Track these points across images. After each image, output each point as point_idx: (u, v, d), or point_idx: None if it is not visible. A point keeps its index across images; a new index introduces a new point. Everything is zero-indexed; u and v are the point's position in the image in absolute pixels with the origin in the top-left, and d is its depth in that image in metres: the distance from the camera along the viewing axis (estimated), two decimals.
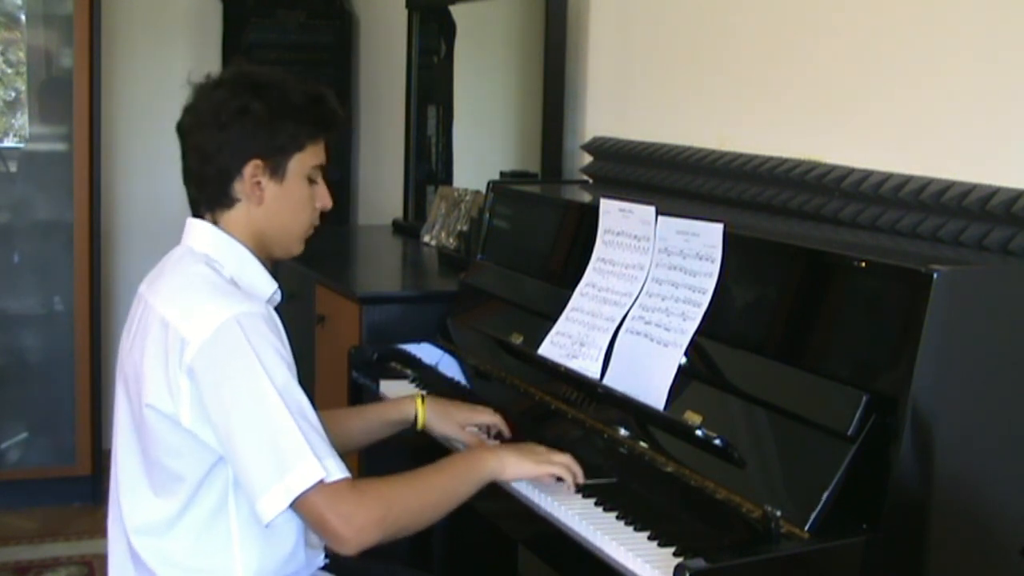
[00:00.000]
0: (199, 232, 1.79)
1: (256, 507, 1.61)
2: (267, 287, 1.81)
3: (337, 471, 1.62)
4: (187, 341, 1.64)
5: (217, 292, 1.69)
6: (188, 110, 1.79)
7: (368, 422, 2.14)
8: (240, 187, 1.76)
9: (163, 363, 1.66)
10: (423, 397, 2.15)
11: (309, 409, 1.65)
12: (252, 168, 1.76)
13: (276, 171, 1.78)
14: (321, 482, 1.59)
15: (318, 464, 1.59)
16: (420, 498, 1.71)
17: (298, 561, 1.79)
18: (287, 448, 1.59)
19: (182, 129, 1.80)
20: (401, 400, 2.18)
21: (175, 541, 1.72)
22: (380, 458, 2.70)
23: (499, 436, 2.15)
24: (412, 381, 2.54)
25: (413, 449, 2.47)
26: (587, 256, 2.25)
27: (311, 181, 1.83)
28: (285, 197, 1.80)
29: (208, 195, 1.78)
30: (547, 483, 1.86)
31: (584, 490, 1.86)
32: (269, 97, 1.75)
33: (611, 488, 1.87)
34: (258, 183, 1.77)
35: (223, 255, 1.77)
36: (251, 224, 1.79)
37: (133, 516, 1.76)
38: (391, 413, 2.15)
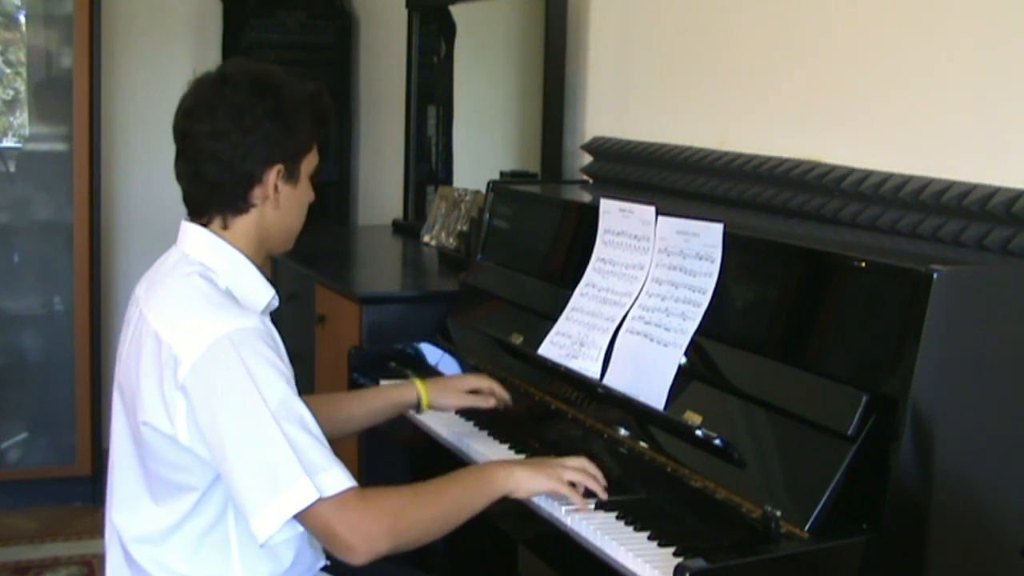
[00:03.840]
0: (194, 238, 1.76)
1: (251, 527, 1.59)
2: (264, 295, 1.79)
3: (341, 481, 1.59)
4: (179, 360, 1.62)
5: (211, 306, 1.66)
6: (193, 112, 1.72)
7: (371, 404, 2.15)
8: (260, 192, 1.74)
9: (158, 380, 1.65)
10: (421, 379, 2.18)
11: (310, 421, 1.63)
12: (275, 174, 1.74)
13: (292, 174, 1.77)
14: (319, 499, 1.57)
15: (310, 484, 1.56)
16: (429, 509, 1.68)
17: (300, 567, 1.78)
18: (279, 469, 1.57)
19: (189, 132, 1.72)
20: (402, 384, 2.20)
21: (173, 550, 1.71)
22: (381, 466, 2.71)
23: (500, 416, 2.17)
24: None
25: (414, 451, 2.47)
26: (587, 256, 2.25)
27: (310, 179, 1.82)
28: (296, 198, 1.79)
29: (221, 200, 1.74)
30: (564, 495, 1.81)
31: (608, 506, 1.82)
32: (284, 99, 1.73)
33: (611, 488, 1.86)
34: (275, 187, 1.75)
35: (219, 263, 1.74)
36: (261, 227, 1.77)
37: (131, 524, 1.75)
38: (395, 395, 2.16)
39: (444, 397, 2.16)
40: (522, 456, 2.09)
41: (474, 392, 2.18)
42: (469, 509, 1.72)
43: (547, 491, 1.81)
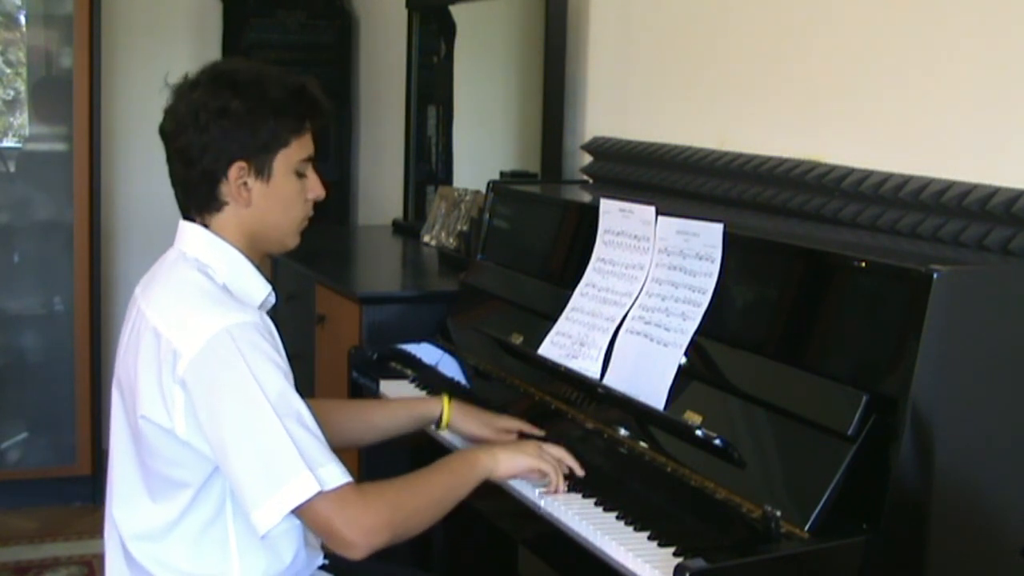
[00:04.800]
0: (191, 236, 1.77)
1: (251, 520, 1.60)
2: (260, 291, 1.79)
3: (338, 476, 1.60)
4: (179, 353, 1.62)
5: (209, 301, 1.67)
6: (168, 113, 1.75)
7: (393, 415, 2.14)
8: (226, 189, 1.73)
9: (156, 375, 1.65)
10: (450, 397, 2.15)
11: (307, 415, 1.64)
12: (236, 170, 1.72)
13: (262, 171, 1.74)
14: (319, 493, 1.58)
15: (311, 477, 1.58)
16: (424, 498, 1.71)
17: (298, 564, 1.78)
18: (280, 462, 1.58)
19: (164, 133, 1.76)
20: (428, 398, 2.22)
21: (173, 546, 1.72)
22: (381, 464, 2.70)
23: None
24: (412, 381, 2.54)
25: (414, 450, 2.47)
26: (587, 256, 2.25)
27: (299, 175, 1.78)
28: (274, 195, 1.76)
29: (195, 199, 1.75)
30: (542, 479, 1.88)
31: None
32: (247, 95, 1.71)
33: (611, 488, 1.87)
34: (244, 184, 1.73)
35: (215, 259, 1.74)
36: (242, 225, 1.76)
37: (130, 521, 1.75)
38: (419, 407, 2.15)
39: (467, 423, 2.12)
40: None
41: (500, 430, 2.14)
42: (458, 494, 1.77)
43: (526, 470, 1.86)
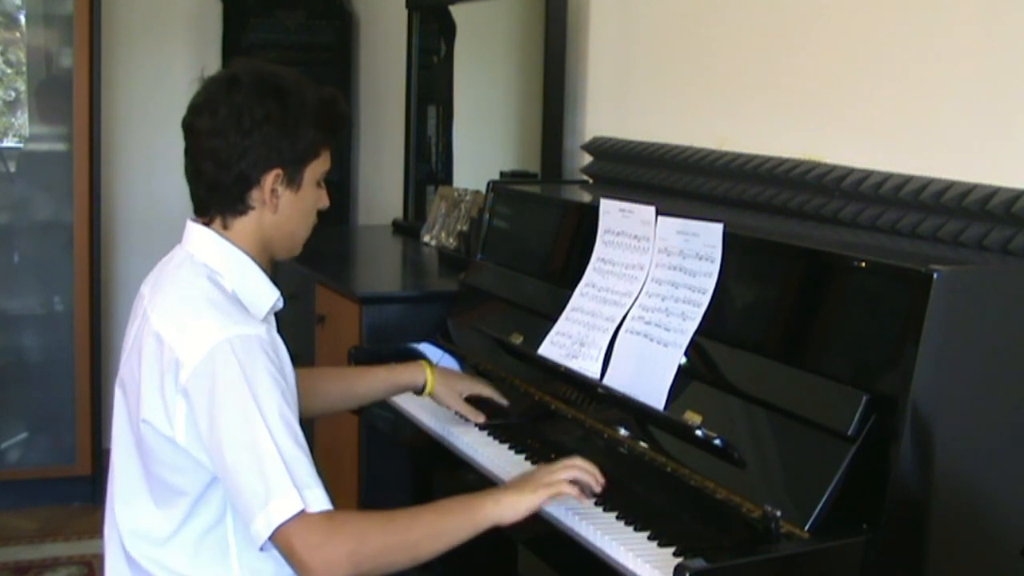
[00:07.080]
0: (200, 240, 1.75)
1: (250, 531, 1.59)
2: (269, 297, 1.78)
3: (318, 503, 1.58)
4: (181, 363, 1.62)
5: (214, 310, 1.66)
6: (199, 109, 1.72)
7: (373, 382, 2.19)
8: (257, 195, 1.73)
9: (159, 382, 1.64)
10: (432, 365, 2.22)
11: (299, 436, 1.62)
12: (272, 178, 1.72)
13: (293, 180, 1.75)
14: (301, 512, 1.55)
15: (297, 496, 1.56)
16: (399, 536, 1.62)
17: None
18: (270, 477, 1.56)
19: (192, 129, 1.73)
20: (411, 365, 2.24)
21: (173, 551, 1.71)
22: (381, 466, 2.70)
23: (498, 411, 2.22)
24: None
25: (414, 451, 2.46)
26: (587, 256, 2.25)
27: (319, 186, 1.81)
28: (299, 204, 1.77)
29: (220, 200, 1.74)
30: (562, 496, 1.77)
31: (608, 506, 1.81)
32: (290, 103, 1.71)
33: (611, 488, 1.86)
34: (274, 192, 1.74)
35: (225, 266, 1.73)
36: (260, 230, 1.76)
37: (131, 524, 1.74)
38: (401, 376, 2.21)
39: (446, 394, 2.21)
40: (521, 456, 2.09)
41: (471, 399, 2.23)
42: (447, 538, 1.65)
43: (539, 507, 1.73)
